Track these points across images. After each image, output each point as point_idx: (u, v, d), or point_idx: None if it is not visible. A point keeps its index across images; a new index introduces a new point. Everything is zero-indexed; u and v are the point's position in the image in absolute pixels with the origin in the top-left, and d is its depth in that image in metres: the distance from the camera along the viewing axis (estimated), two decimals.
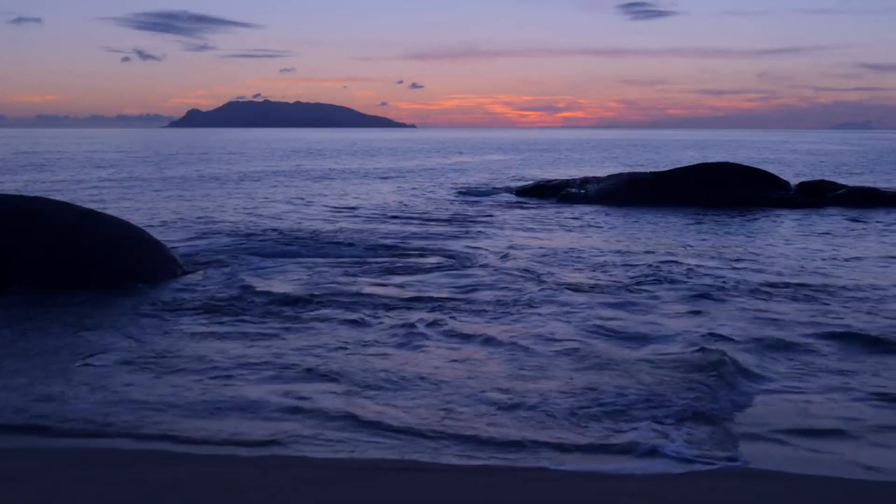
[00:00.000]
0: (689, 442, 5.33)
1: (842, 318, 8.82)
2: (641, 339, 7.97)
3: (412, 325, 8.48)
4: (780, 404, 6.17)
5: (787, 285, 10.68)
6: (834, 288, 10.53)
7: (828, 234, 16.33)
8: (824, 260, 13.03)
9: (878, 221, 18.09)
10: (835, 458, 5.17)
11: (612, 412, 5.91)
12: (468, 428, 5.61)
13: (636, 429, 5.56)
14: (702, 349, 7.42)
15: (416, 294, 10.08)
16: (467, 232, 16.42)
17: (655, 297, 9.87)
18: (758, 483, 4.71)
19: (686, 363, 7.07)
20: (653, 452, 5.13)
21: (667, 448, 5.19)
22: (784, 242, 15.08)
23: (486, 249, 13.96)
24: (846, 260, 13.06)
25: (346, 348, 7.71)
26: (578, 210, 20.73)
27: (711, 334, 8.03)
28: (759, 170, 24.01)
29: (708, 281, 10.94)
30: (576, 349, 7.59)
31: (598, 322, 8.63)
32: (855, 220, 18.17)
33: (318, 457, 5.10)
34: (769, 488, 4.63)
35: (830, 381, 6.74)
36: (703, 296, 10.01)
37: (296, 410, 6.01)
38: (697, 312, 9.13)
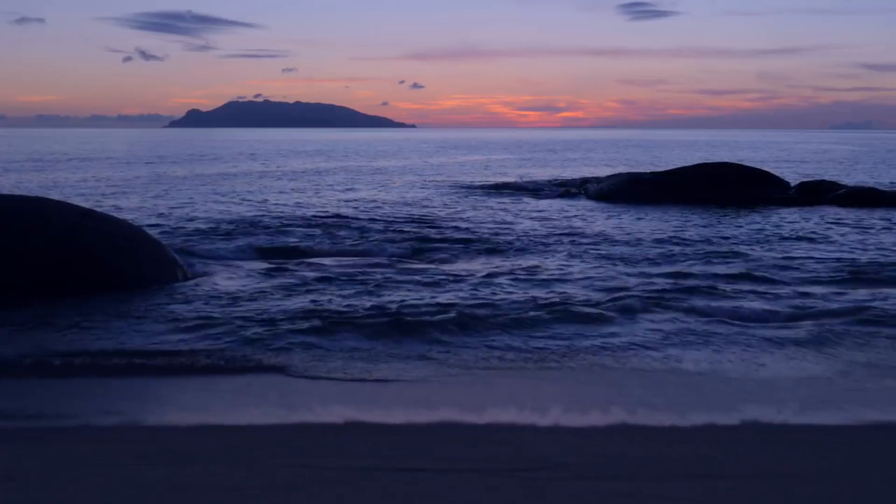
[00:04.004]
0: None
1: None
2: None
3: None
4: None
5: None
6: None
7: (808, 229, 16.84)
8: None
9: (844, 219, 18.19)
10: None
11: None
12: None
13: None
14: None
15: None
16: (472, 227, 16.48)
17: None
18: None
19: None
20: None
21: None
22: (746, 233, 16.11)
23: (490, 241, 14.19)
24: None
25: (352, 328, 7.75)
26: (577, 207, 20.90)
27: None
28: (758, 170, 24.06)
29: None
30: None
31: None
32: (847, 219, 18.28)
33: (318, 457, 5.10)
34: None
35: None
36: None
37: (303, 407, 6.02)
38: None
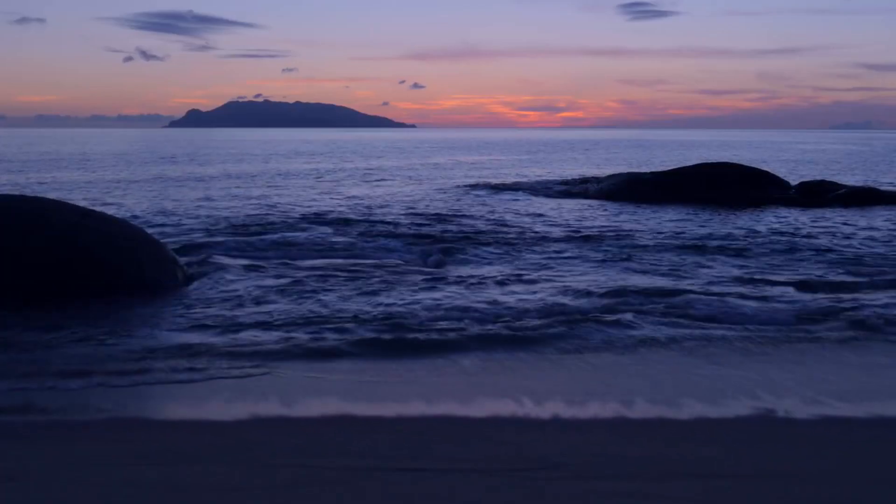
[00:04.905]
0: None
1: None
2: None
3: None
4: None
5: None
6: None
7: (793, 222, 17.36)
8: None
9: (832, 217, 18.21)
10: None
11: None
12: None
13: None
14: None
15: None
16: (472, 227, 16.49)
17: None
18: None
19: None
20: None
21: None
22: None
23: (490, 241, 14.19)
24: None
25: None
26: (577, 207, 20.91)
27: None
28: (758, 170, 24.08)
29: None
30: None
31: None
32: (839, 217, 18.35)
33: (318, 457, 5.10)
34: None
35: None
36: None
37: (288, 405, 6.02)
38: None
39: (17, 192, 19.16)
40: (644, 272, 11.73)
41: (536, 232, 16.14)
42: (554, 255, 13.28)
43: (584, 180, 26.85)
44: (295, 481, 4.63)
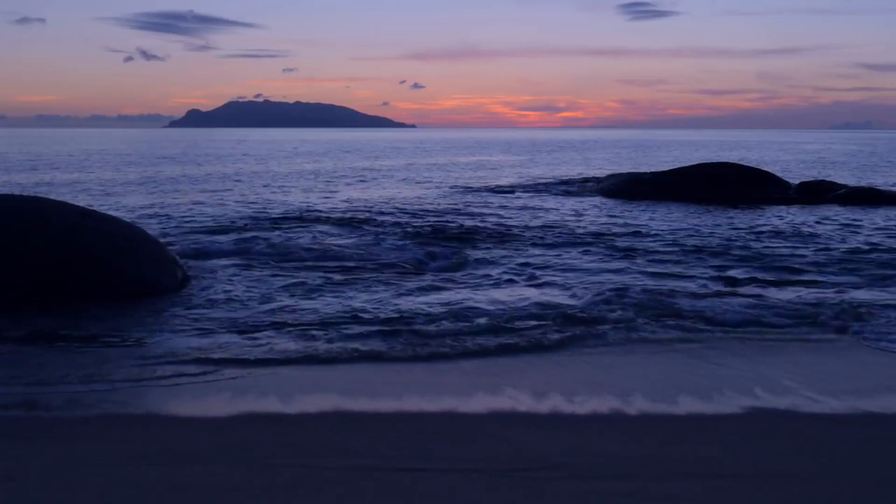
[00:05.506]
0: None
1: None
2: None
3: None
4: None
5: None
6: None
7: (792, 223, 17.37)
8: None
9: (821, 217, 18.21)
10: None
11: None
12: None
13: None
14: None
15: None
16: (472, 227, 16.52)
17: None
18: None
19: None
20: None
21: None
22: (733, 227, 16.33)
23: (491, 241, 14.21)
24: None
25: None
26: (577, 206, 20.91)
27: None
28: (758, 170, 24.10)
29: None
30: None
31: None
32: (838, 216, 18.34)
33: (318, 457, 5.10)
34: None
35: None
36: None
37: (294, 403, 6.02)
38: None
39: (17, 192, 19.16)
40: (643, 272, 11.73)
41: (536, 232, 16.14)
42: (554, 255, 13.29)
43: (585, 180, 26.90)
44: (295, 481, 4.63)
